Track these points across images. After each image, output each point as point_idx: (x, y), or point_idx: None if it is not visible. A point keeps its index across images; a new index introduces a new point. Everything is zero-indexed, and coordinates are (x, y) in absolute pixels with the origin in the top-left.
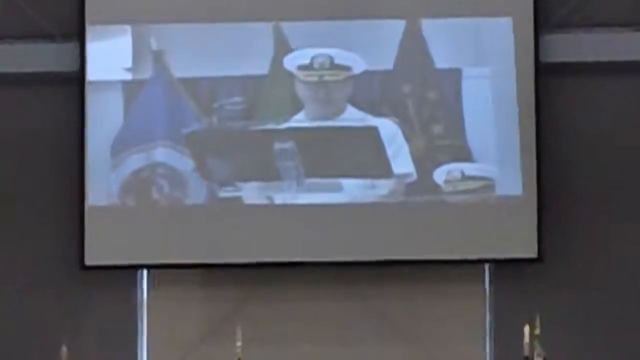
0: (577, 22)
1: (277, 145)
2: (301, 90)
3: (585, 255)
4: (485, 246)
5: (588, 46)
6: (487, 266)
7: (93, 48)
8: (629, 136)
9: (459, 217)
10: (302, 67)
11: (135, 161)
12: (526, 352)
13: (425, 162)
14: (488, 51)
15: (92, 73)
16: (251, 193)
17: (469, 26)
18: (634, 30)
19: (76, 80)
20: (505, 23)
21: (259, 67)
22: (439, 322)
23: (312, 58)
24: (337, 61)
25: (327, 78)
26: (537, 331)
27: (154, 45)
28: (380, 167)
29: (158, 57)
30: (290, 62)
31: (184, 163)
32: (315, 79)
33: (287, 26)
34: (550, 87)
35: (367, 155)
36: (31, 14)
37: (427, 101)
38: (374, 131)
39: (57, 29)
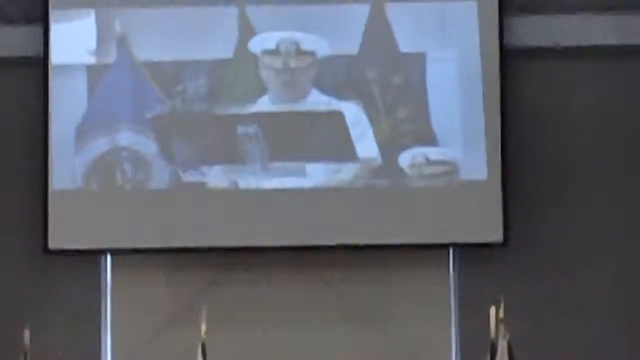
0: (542, 6)
1: (241, 129)
2: (266, 75)
3: (550, 239)
4: (451, 230)
5: (553, 30)
6: (451, 250)
7: (57, 31)
8: (594, 120)
9: (423, 201)
10: (267, 52)
11: (99, 145)
12: (492, 334)
13: (390, 146)
14: (453, 35)
15: (56, 56)
16: (215, 177)
17: (433, 10)
18: (598, 13)
19: (40, 64)
20: (470, 6)
21: (224, 50)
22: (404, 306)
23: (278, 42)
24: (302, 46)
25: (292, 64)
26: (502, 314)
27: (118, 28)
28: (345, 151)
29: (122, 41)
30: (256, 45)
31: (148, 147)
32: (279, 64)
33: (252, 10)
34: (516, 71)
35: (331, 139)
36: None
37: (392, 85)
38: (338, 115)
39: (20, 13)
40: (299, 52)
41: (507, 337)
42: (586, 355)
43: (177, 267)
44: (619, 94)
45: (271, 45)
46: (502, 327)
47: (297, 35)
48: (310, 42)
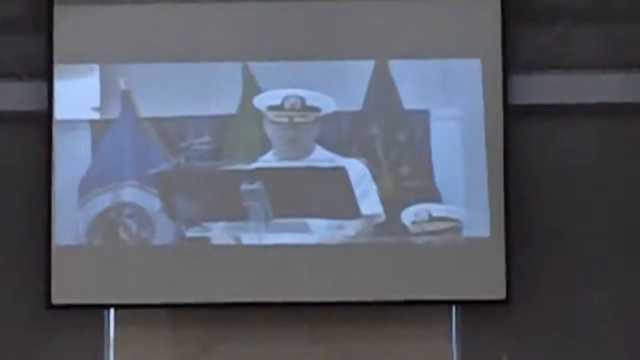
0: (546, 64)
1: (245, 186)
2: (270, 131)
3: (553, 297)
4: (453, 287)
5: (556, 88)
6: (454, 307)
7: (61, 87)
8: (597, 178)
9: (426, 258)
10: (272, 108)
11: (102, 201)
12: None
13: (393, 203)
14: (456, 92)
15: (60, 112)
16: (218, 233)
17: (437, 67)
18: (601, 72)
19: (44, 119)
20: (473, 64)
21: (227, 107)
22: None
23: (284, 99)
24: (308, 102)
25: (297, 119)
26: None
27: (122, 84)
28: (348, 207)
29: (126, 97)
30: (261, 102)
31: (152, 203)
32: (285, 119)
33: (255, 66)
34: (519, 129)
35: (335, 196)
36: None
37: (396, 142)
38: (342, 171)
39: (25, 68)
40: (304, 108)
41: None
42: None
43: (180, 323)
44: (623, 152)
45: (277, 101)
46: None
47: (303, 92)
48: (315, 98)
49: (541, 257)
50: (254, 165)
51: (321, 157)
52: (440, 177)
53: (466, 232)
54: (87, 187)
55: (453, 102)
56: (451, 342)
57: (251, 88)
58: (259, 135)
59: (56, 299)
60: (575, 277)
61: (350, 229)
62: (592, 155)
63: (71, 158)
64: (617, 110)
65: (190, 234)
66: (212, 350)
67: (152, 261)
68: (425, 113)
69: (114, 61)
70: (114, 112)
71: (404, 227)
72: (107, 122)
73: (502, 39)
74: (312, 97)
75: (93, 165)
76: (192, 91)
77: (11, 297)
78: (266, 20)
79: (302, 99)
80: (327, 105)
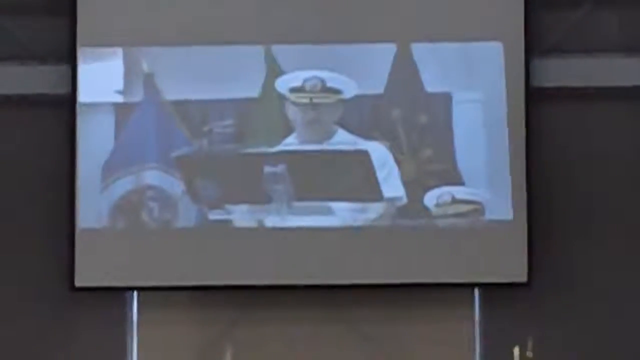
0: (568, 47)
1: (268, 169)
2: (292, 113)
3: (574, 280)
4: (475, 270)
5: (579, 71)
6: (476, 290)
7: (84, 70)
8: (619, 161)
9: (448, 240)
10: (293, 90)
11: (125, 184)
12: None
13: (415, 185)
14: (478, 75)
15: (84, 95)
16: (241, 216)
17: (459, 50)
18: (624, 55)
19: (67, 103)
20: (495, 47)
21: (250, 90)
22: (428, 346)
23: (304, 80)
24: (328, 84)
25: (317, 100)
26: (530, 354)
27: (146, 67)
28: (370, 190)
29: (149, 80)
30: (282, 84)
31: (174, 186)
32: (306, 100)
33: (278, 49)
34: (541, 112)
35: (357, 179)
36: (22, 36)
37: (418, 125)
38: (364, 155)
39: (49, 51)
40: (324, 89)
41: None
42: None
43: (202, 305)
44: None
45: (297, 83)
46: None
47: (324, 74)
48: (336, 80)
49: (563, 240)
50: (276, 148)
51: (343, 140)
52: (463, 160)
53: (488, 215)
54: (110, 170)
55: (475, 85)
56: (473, 325)
57: (274, 71)
58: (281, 118)
59: (79, 282)
60: (596, 260)
61: (373, 211)
62: (614, 138)
63: (94, 141)
64: None
65: (212, 216)
66: (234, 332)
67: (174, 244)
68: (447, 96)
69: (138, 44)
70: (137, 95)
71: (427, 210)
72: (130, 105)
73: (525, 21)
74: (332, 79)
75: (116, 148)
76: (215, 74)
77: (35, 279)
78: (289, 3)
79: (322, 81)
80: (348, 87)
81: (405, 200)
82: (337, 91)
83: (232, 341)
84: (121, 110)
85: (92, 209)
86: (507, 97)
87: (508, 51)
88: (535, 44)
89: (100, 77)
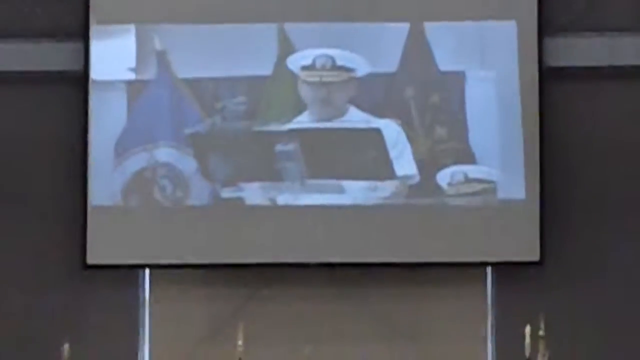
0: (581, 26)
1: (280, 147)
2: (304, 91)
3: (586, 258)
4: (488, 249)
5: (591, 50)
6: (489, 269)
7: (97, 47)
8: (631, 140)
9: (461, 219)
10: (304, 68)
11: (138, 161)
12: (527, 352)
13: (428, 164)
14: (492, 54)
15: (96, 72)
16: (253, 194)
17: (473, 29)
18: (637, 34)
19: (80, 80)
20: (509, 26)
21: (263, 67)
22: (441, 325)
23: (314, 58)
24: (338, 62)
25: (328, 79)
26: (542, 332)
27: (158, 45)
28: (382, 168)
29: (162, 57)
30: (294, 62)
31: (187, 163)
32: (317, 79)
33: (291, 27)
34: (554, 91)
35: (369, 157)
36: (35, 13)
37: (431, 104)
38: (377, 133)
39: (62, 28)
40: (335, 68)
41: (547, 356)
42: None
43: (214, 283)
44: None
45: (308, 61)
46: (542, 345)
47: (334, 52)
48: (346, 58)
49: (575, 219)
50: (289, 126)
51: (356, 118)
52: (476, 138)
53: (501, 194)
54: (122, 147)
55: (488, 64)
56: (486, 303)
57: (286, 49)
58: (293, 96)
59: (91, 259)
60: (608, 239)
61: (385, 190)
62: (627, 117)
63: (107, 119)
64: None
65: (225, 194)
66: (245, 310)
67: (186, 221)
68: (461, 75)
69: (150, 22)
70: (150, 73)
71: (439, 188)
72: (143, 83)
73: (538, 0)
74: (342, 57)
75: (128, 126)
76: (227, 52)
77: (47, 257)
78: None
79: (332, 59)
80: (360, 65)
81: (417, 178)
82: (347, 69)
83: (243, 318)
84: (134, 88)
85: (104, 186)
86: (520, 76)
87: (522, 30)
88: (548, 23)
89: (113, 55)
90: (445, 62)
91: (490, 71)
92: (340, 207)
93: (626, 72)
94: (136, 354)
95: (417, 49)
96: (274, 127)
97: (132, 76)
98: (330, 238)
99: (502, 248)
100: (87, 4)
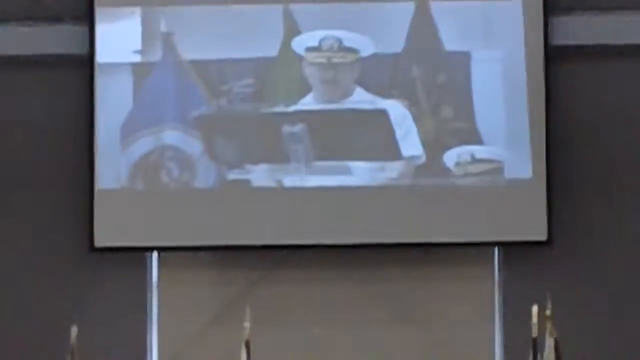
0: (587, 5)
1: (286, 128)
2: (309, 73)
3: (594, 238)
4: (495, 229)
5: (598, 29)
6: (496, 249)
7: (102, 30)
8: (638, 118)
9: (468, 199)
10: (310, 49)
11: (144, 144)
12: (534, 333)
13: (434, 145)
14: (498, 34)
15: (102, 55)
16: (260, 176)
17: (478, 9)
18: None
19: (85, 63)
20: (514, 5)
21: (269, 49)
22: (448, 305)
23: (320, 40)
24: (345, 43)
25: (335, 60)
26: (549, 312)
27: (164, 27)
28: (389, 149)
29: (167, 39)
30: (299, 44)
31: (193, 146)
32: (323, 60)
33: (296, 8)
34: (560, 70)
35: (376, 138)
36: None
37: (437, 84)
38: (383, 113)
39: (66, 11)
40: (342, 48)
41: (555, 335)
42: (629, 353)
43: (222, 265)
44: None
45: (314, 42)
46: (550, 325)
47: (340, 33)
48: (353, 39)
49: (582, 198)
50: (295, 108)
51: (362, 99)
52: (482, 118)
53: (508, 174)
54: (129, 130)
55: (494, 44)
56: (493, 284)
57: (292, 30)
58: (299, 78)
59: (99, 242)
60: (617, 217)
61: (392, 170)
62: (633, 96)
63: (113, 101)
64: None
65: (231, 176)
66: (253, 292)
67: (193, 204)
68: (466, 55)
69: (155, 4)
70: (156, 55)
71: (446, 169)
72: (149, 65)
73: None
74: (349, 38)
75: (135, 109)
76: (233, 33)
77: (55, 240)
78: None
79: (339, 40)
80: (366, 46)
81: (424, 159)
82: (354, 50)
83: (251, 301)
84: (139, 70)
85: (111, 169)
86: (526, 56)
87: (527, 9)
88: (554, 2)
89: (118, 37)
90: (451, 41)
91: (496, 50)
92: (347, 189)
93: (632, 51)
94: (144, 336)
95: (423, 28)
96: (280, 108)
97: (137, 58)
98: (337, 219)
99: (509, 228)
100: None
